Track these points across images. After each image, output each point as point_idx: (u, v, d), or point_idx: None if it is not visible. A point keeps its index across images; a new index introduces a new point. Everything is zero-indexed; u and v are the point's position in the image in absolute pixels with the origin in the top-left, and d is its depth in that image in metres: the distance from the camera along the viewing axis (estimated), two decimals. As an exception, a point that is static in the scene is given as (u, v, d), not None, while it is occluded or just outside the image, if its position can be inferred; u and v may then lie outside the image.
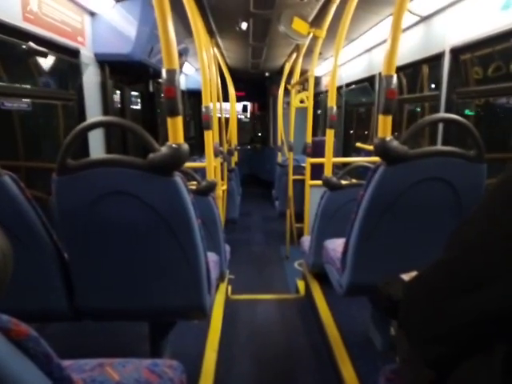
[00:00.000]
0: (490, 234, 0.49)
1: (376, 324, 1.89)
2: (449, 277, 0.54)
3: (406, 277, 0.82)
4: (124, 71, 3.06)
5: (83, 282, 1.30)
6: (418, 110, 3.39)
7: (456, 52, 2.28)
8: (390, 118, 1.35)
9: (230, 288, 3.02)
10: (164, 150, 1.12)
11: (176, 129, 1.17)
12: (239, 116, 8.64)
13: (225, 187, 3.80)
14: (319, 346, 2.14)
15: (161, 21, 1.10)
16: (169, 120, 1.17)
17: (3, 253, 0.40)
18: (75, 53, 2.38)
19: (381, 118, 1.36)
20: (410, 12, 2.49)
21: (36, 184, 2.38)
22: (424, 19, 2.62)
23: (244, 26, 3.29)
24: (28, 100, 2.11)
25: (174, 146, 1.14)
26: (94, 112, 2.60)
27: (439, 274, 0.56)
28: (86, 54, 2.49)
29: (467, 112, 2.49)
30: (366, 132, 4.64)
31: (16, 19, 1.78)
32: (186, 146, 1.17)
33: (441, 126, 2.40)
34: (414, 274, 0.80)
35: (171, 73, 1.12)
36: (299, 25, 2.72)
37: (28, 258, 1.20)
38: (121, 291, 1.32)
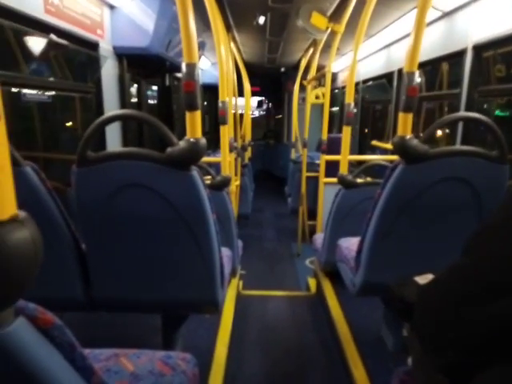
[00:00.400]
0: (510, 243, 0.48)
1: (388, 324, 1.87)
2: (465, 284, 0.53)
3: (420, 279, 0.81)
4: (141, 64, 3.08)
5: (99, 272, 1.32)
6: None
7: (479, 49, 2.22)
8: (410, 116, 1.33)
9: (241, 283, 3.04)
10: (182, 144, 1.13)
11: (194, 123, 1.17)
12: (254, 113, 8.62)
13: (238, 182, 3.81)
14: (330, 343, 2.14)
15: (182, 16, 1.10)
16: (187, 114, 1.17)
17: (34, 243, 0.41)
18: (94, 45, 2.41)
19: (401, 115, 1.34)
20: (433, 7, 2.43)
21: (54, 174, 2.43)
22: (446, 14, 2.55)
23: (261, 20, 3.26)
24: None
25: (192, 140, 1.14)
26: (111, 105, 2.62)
27: (455, 280, 0.55)
28: (105, 47, 2.52)
29: (498, 113, 2.42)
30: (382, 130, 4.57)
31: (38, 11, 1.81)
32: (203, 141, 1.17)
33: (460, 126, 2.35)
34: (428, 276, 0.78)
35: (191, 67, 1.13)
36: (318, 19, 2.68)
37: (46, 247, 1.22)
38: (136, 283, 1.33)
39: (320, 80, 4.39)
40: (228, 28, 3.56)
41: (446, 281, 0.58)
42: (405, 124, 1.32)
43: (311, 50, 4.51)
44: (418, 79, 1.29)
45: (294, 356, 2.09)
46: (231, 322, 2.16)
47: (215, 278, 1.32)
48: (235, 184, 3.24)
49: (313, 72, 4.10)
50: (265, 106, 9.22)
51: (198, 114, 1.18)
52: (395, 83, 3.63)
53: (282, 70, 7.15)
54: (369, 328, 2.05)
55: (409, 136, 1.27)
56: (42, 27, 1.86)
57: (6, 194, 0.40)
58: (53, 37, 1.94)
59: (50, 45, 2.05)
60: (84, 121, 2.68)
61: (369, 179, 2.66)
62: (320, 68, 4.21)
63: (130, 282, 1.33)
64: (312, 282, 3.07)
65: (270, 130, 8.92)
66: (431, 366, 0.60)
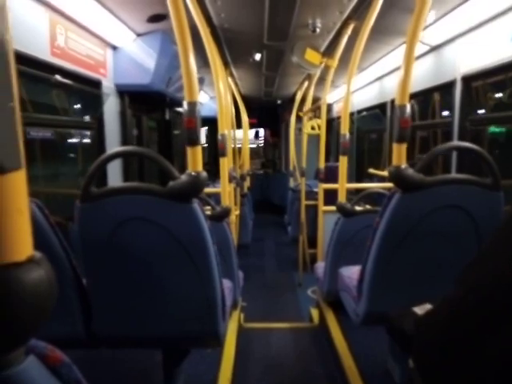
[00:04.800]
0: (505, 277, 0.47)
1: (394, 355, 1.83)
2: (458, 318, 0.52)
3: (418, 310, 0.80)
4: (142, 100, 3.18)
5: (101, 308, 1.31)
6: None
7: (467, 80, 2.31)
8: (404, 146, 1.37)
9: (242, 316, 2.98)
10: (184, 177, 1.16)
11: (195, 157, 1.21)
12: (251, 144, 8.77)
13: (237, 212, 3.82)
14: (335, 377, 2.08)
15: (183, 56, 1.16)
16: (188, 149, 1.21)
17: (50, 282, 0.43)
18: (97, 84, 2.50)
19: (395, 146, 1.38)
20: (422, 42, 2.55)
21: (55, 208, 2.45)
22: (435, 48, 2.68)
23: (258, 57, 3.40)
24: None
25: (193, 173, 1.18)
26: (113, 140, 2.68)
27: (451, 313, 0.54)
28: (107, 85, 2.61)
29: (492, 130, 2.45)
30: (378, 158, 4.65)
31: (45, 54, 1.90)
32: (204, 174, 1.20)
33: (455, 153, 2.41)
34: (426, 306, 0.78)
35: (192, 105, 1.18)
36: (312, 55, 2.80)
37: None
38: (137, 317, 1.32)
39: (316, 111, 4.51)
40: (226, 64, 3.70)
41: (441, 314, 0.57)
42: (399, 154, 1.36)
43: (306, 83, 4.66)
44: (409, 111, 1.34)
45: None
46: (233, 357, 2.11)
47: (217, 310, 1.31)
48: (235, 214, 3.26)
49: (308, 104, 4.22)
50: (262, 136, 9.38)
51: (199, 148, 1.22)
52: (388, 113, 3.74)
53: (279, 102, 7.35)
54: (374, 359, 2.00)
55: (404, 165, 1.31)
56: (47, 69, 1.94)
57: (24, 235, 0.42)
58: (58, 77, 2.02)
59: (55, 84, 2.13)
60: (86, 156, 2.73)
61: (368, 207, 2.69)
62: (315, 99, 4.34)
63: (131, 317, 1.32)
64: (314, 313, 3.01)
65: (268, 160, 9.04)
66: None
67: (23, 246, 0.42)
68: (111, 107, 2.69)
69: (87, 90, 2.43)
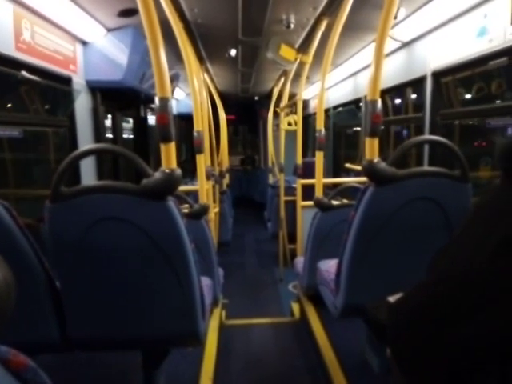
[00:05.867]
0: (470, 266, 0.49)
1: (372, 345, 1.87)
2: (431, 304, 0.53)
3: (392, 299, 0.81)
4: (116, 97, 3.11)
5: (75, 310, 1.28)
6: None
7: (437, 75, 2.37)
8: (376, 141, 1.40)
9: (223, 313, 2.98)
10: (157, 175, 1.14)
11: (169, 154, 1.19)
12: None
13: (217, 210, 3.81)
14: (316, 369, 2.11)
15: (153, 52, 1.14)
16: (162, 146, 1.19)
17: (7, 282, 0.41)
18: (67, 80, 2.42)
19: (368, 140, 1.40)
20: (392, 38, 2.60)
21: (25, 210, 2.36)
22: (406, 45, 2.73)
23: (233, 52, 3.38)
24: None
25: (167, 171, 1.16)
26: (85, 138, 2.61)
27: (421, 301, 0.56)
28: (78, 81, 2.53)
29: None
30: (354, 152, 4.73)
31: (9, 49, 1.82)
32: (179, 171, 1.19)
33: (426, 147, 2.47)
34: (399, 295, 0.80)
35: (164, 100, 1.16)
36: (286, 51, 2.81)
37: (20, 287, 1.18)
38: (114, 319, 1.29)
39: (292, 107, 4.53)
40: (201, 60, 3.66)
41: (411, 302, 0.59)
42: (372, 148, 1.39)
43: (282, 79, 4.68)
44: (380, 106, 1.36)
45: None
46: (215, 354, 2.10)
47: (196, 308, 1.30)
48: (214, 211, 3.24)
49: (285, 100, 4.24)
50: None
51: (173, 145, 1.20)
52: (363, 108, 3.80)
53: (256, 98, 7.34)
54: (354, 350, 2.04)
55: (376, 159, 1.34)
56: (13, 64, 1.87)
57: None
58: (24, 73, 1.94)
59: (21, 81, 2.05)
60: (57, 155, 2.65)
61: (345, 201, 2.73)
62: (292, 95, 4.35)
63: (107, 319, 1.29)
64: (295, 307, 3.04)
65: (247, 156, 9.04)
66: None
67: None
68: (83, 104, 2.61)
69: (57, 86, 2.35)
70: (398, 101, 3.33)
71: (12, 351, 0.44)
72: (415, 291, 0.59)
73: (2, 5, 1.76)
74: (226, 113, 5.75)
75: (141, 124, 4.08)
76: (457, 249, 0.55)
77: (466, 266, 0.50)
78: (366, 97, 3.63)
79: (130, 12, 2.36)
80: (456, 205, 1.34)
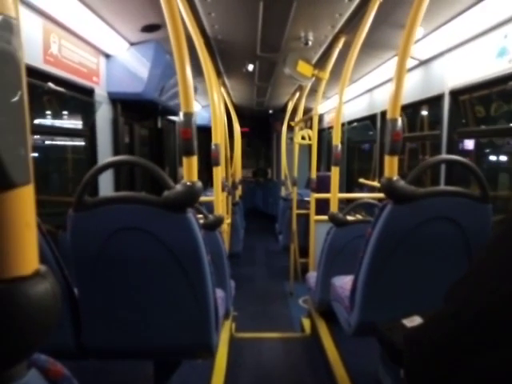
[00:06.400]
0: (499, 293, 0.47)
1: (385, 365, 1.83)
2: (454, 334, 0.51)
3: (407, 322, 0.80)
4: (135, 108, 3.18)
5: (92, 318, 1.29)
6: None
7: (455, 94, 2.37)
8: (396, 159, 1.40)
9: (234, 325, 2.96)
10: (179, 187, 1.16)
11: (191, 167, 1.21)
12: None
13: (229, 221, 3.82)
14: None
15: (180, 67, 1.17)
16: (184, 159, 1.21)
17: (55, 295, 0.43)
18: (90, 92, 2.49)
19: (387, 158, 1.40)
20: (411, 57, 2.61)
21: (45, 216, 2.41)
22: (424, 63, 2.75)
23: (250, 67, 3.44)
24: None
25: (188, 183, 1.18)
26: (105, 148, 2.67)
27: (443, 330, 0.54)
28: (100, 93, 2.61)
29: None
30: (367, 167, 4.72)
31: (38, 62, 1.89)
32: (199, 184, 1.21)
33: (443, 166, 2.45)
34: (415, 319, 0.78)
35: (188, 116, 1.19)
36: (304, 67, 2.85)
37: None
38: (129, 328, 1.30)
39: (307, 122, 4.56)
40: (218, 74, 3.73)
41: (429, 331, 0.57)
42: (391, 166, 1.39)
43: (297, 94, 4.72)
44: (400, 124, 1.37)
45: None
46: (225, 367, 2.09)
47: (210, 321, 1.30)
48: (227, 222, 3.25)
49: (300, 114, 4.27)
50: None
51: (195, 158, 1.23)
52: (379, 124, 3.80)
53: (270, 111, 7.41)
54: (366, 369, 2.00)
55: (395, 177, 1.34)
56: (41, 76, 1.94)
57: (31, 249, 0.42)
58: (51, 85, 2.01)
59: (48, 92, 2.12)
60: (76, 164, 2.72)
61: (359, 216, 2.71)
62: (306, 110, 4.39)
63: (123, 328, 1.30)
64: (306, 323, 3.01)
65: (260, 169, 9.08)
66: None
67: (30, 260, 0.42)
68: (104, 115, 2.68)
69: (80, 97, 2.42)
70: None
71: (50, 360, 0.45)
72: (434, 320, 0.57)
73: (33, 19, 1.84)
74: (241, 125, 5.82)
75: (157, 135, 4.15)
76: (480, 276, 0.53)
77: (492, 294, 0.48)
78: (382, 113, 3.64)
79: (153, 27, 2.44)
80: (475, 225, 1.32)
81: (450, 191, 1.34)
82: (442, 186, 2.16)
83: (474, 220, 1.33)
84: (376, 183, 3.48)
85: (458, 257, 1.34)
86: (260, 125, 8.29)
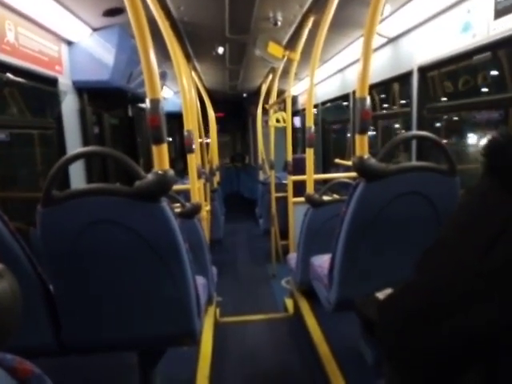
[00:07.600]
0: (457, 264, 0.50)
1: (366, 339, 1.90)
2: (419, 302, 0.54)
3: (380, 295, 0.82)
4: (103, 97, 3.07)
5: (70, 314, 1.27)
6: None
7: (423, 70, 2.41)
8: (366, 137, 1.41)
9: (218, 311, 2.99)
10: (150, 176, 1.14)
11: (161, 156, 1.18)
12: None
13: (208, 208, 3.80)
14: (311, 364, 2.13)
15: (143, 52, 1.13)
16: (154, 147, 1.18)
17: (13, 294, 0.41)
18: (53, 81, 2.38)
19: (357, 137, 1.42)
20: (379, 34, 2.62)
21: (14, 214, 2.33)
22: (392, 40, 2.76)
23: (220, 50, 3.37)
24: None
25: (160, 172, 1.16)
26: (73, 140, 2.58)
27: (410, 298, 0.57)
28: (64, 82, 2.50)
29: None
30: (343, 147, 4.77)
31: (-8, 51, 1.78)
32: (171, 172, 1.19)
33: (414, 141, 2.51)
34: (387, 291, 0.80)
35: (155, 102, 1.15)
36: (274, 49, 2.81)
37: None
38: (109, 322, 1.29)
39: (281, 104, 4.54)
40: (188, 58, 3.64)
41: (400, 299, 0.60)
42: (362, 145, 1.40)
43: (270, 76, 4.68)
44: (369, 102, 1.38)
45: (277, 380, 2.07)
46: (210, 352, 2.11)
47: (191, 308, 1.30)
48: (205, 210, 3.24)
49: (274, 96, 4.24)
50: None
51: (165, 146, 1.20)
52: (351, 104, 3.83)
53: (245, 95, 7.33)
54: (348, 344, 2.06)
55: (366, 156, 1.35)
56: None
57: None
58: (9, 76, 1.91)
59: (6, 83, 2.01)
60: (44, 157, 2.61)
61: (335, 196, 2.75)
62: (280, 92, 4.36)
63: (102, 322, 1.29)
64: (289, 302, 3.07)
65: (238, 154, 9.03)
66: (400, 382, 0.62)
67: None
68: (70, 105, 2.58)
69: (43, 88, 2.31)
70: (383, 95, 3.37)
71: (17, 359, 0.44)
72: (405, 289, 0.59)
73: (-16, 6, 1.73)
74: (215, 110, 5.74)
75: (129, 124, 4.04)
76: (446, 246, 0.55)
77: (457, 265, 0.51)
78: (354, 92, 3.67)
79: (115, 11, 2.34)
80: (445, 198, 1.36)
81: (419, 166, 1.38)
82: (413, 162, 2.21)
83: (443, 193, 1.37)
84: (351, 163, 3.53)
85: (429, 229, 1.39)
86: (235, 109, 8.20)
